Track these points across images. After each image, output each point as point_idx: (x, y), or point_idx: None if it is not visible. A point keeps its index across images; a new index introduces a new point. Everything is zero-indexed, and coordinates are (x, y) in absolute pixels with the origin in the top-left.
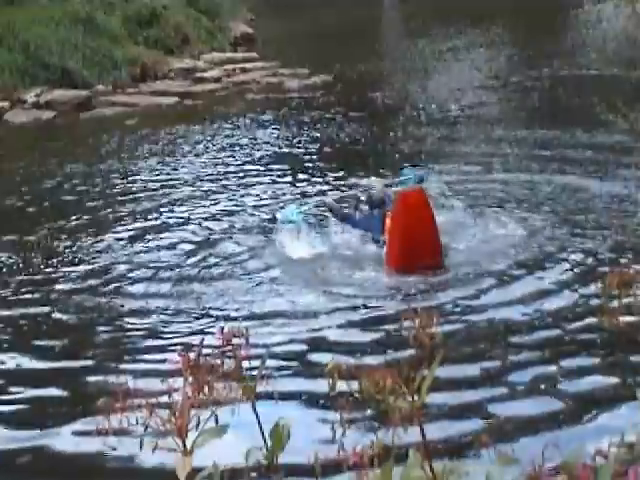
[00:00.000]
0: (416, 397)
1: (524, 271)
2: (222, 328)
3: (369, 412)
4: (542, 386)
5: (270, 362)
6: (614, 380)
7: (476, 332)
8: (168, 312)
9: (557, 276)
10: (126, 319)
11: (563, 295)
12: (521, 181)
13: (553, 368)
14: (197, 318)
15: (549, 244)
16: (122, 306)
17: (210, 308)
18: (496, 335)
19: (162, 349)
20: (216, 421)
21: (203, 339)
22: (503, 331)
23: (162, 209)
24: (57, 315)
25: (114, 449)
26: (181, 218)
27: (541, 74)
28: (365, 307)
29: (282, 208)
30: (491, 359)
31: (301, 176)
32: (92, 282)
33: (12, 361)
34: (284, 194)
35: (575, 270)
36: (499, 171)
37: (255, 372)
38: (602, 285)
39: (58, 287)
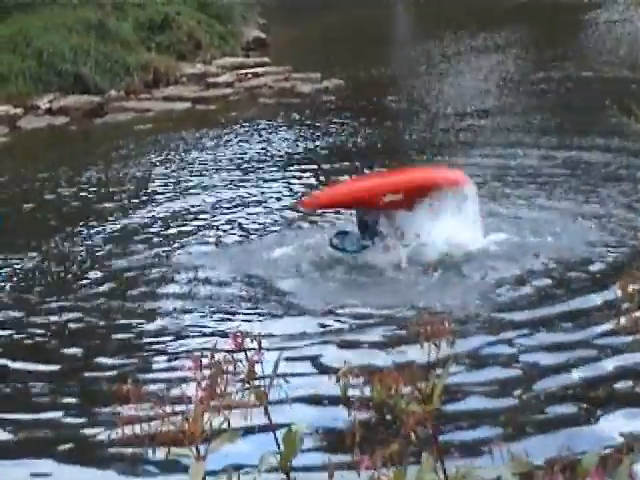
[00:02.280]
0: (428, 401)
1: (540, 278)
2: (235, 333)
3: (382, 416)
4: (558, 392)
5: (282, 367)
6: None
7: (489, 338)
8: (181, 318)
9: (576, 284)
10: (139, 325)
11: (584, 299)
12: (537, 184)
13: (569, 374)
14: (209, 324)
15: (566, 250)
16: (135, 313)
17: (221, 314)
18: (510, 340)
19: (175, 355)
20: (229, 426)
21: (215, 344)
22: (516, 338)
23: (176, 214)
24: (70, 322)
25: (126, 454)
26: (195, 223)
27: (553, 77)
28: (376, 312)
29: (342, 234)
30: (504, 364)
31: (315, 180)
32: (106, 287)
33: (23, 369)
34: (298, 199)
35: (593, 278)
36: (514, 175)
37: (267, 377)
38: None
39: (72, 294)
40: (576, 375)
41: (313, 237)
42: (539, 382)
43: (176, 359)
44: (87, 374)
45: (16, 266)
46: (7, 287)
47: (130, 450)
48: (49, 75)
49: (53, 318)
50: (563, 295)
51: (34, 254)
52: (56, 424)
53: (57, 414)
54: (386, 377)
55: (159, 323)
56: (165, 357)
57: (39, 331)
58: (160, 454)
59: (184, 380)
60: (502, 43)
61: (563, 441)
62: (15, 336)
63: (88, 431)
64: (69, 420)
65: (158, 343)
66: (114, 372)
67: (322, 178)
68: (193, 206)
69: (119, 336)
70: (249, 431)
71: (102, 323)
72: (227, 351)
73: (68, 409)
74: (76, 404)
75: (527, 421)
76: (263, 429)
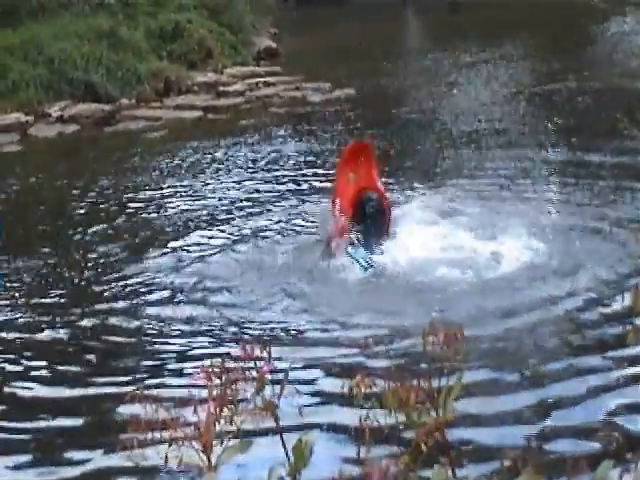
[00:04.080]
0: (440, 412)
1: (567, 297)
2: (244, 344)
3: (393, 427)
4: (572, 408)
5: (292, 377)
6: None
7: (502, 352)
8: (191, 331)
9: (600, 304)
10: (150, 337)
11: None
12: (548, 198)
13: (596, 403)
14: (220, 336)
15: (579, 264)
16: (146, 324)
17: (232, 327)
18: (524, 355)
19: (185, 366)
20: (240, 437)
21: (225, 355)
22: (531, 352)
23: (187, 224)
24: (79, 336)
25: (139, 465)
26: (205, 232)
27: (565, 88)
28: (388, 322)
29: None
30: (517, 378)
31: (328, 190)
32: (117, 301)
33: (33, 388)
34: (308, 209)
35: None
36: (527, 187)
37: (277, 388)
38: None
39: (80, 307)
40: (604, 404)
41: (320, 246)
42: (557, 407)
43: (185, 371)
44: (95, 388)
45: (24, 275)
46: (16, 297)
47: (141, 460)
48: (60, 83)
49: (61, 331)
50: (590, 315)
51: (42, 263)
52: (66, 439)
53: (66, 428)
54: (398, 388)
55: (172, 332)
56: (175, 369)
57: (46, 345)
58: (171, 465)
59: (194, 391)
60: (513, 54)
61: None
62: (21, 351)
63: (97, 444)
64: (78, 433)
65: (167, 358)
66: (123, 385)
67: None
68: (204, 215)
69: (128, 349)
70: (259, 441)
71: (111, 337)
72: (237, 360)
73: (76, 423)
74: (84, 418)
75: (543, 442)
76: (273, 439)
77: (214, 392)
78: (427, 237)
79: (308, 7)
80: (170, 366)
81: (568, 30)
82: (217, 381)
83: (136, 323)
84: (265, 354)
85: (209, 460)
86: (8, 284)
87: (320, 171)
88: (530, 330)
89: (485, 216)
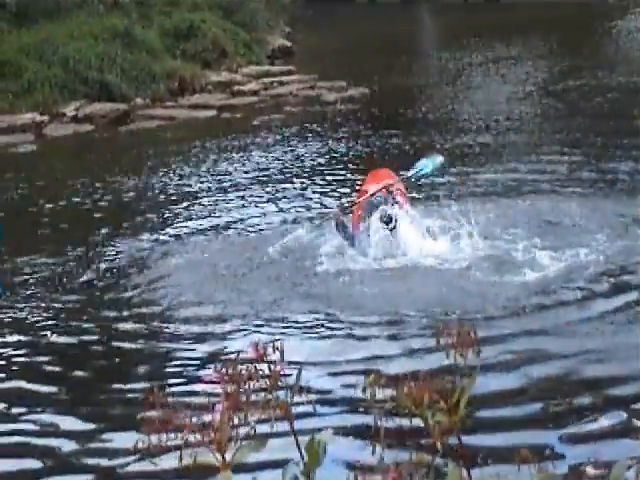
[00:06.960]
0: (454, 411)
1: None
2: (256, 343)
3: (408, 426)
4: (591, 402)
5: (304, 377)
6: None
7: (514, 356)
8: (204, 328)
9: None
10: (163, 336)
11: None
12: (566, 201)
13: (603, 384)
14: (233, 333)
15: (598, 274)
16: (160, 325)
17: (245, 324)
18: (536, 357)
19: (199, 365)
20: (254, 435)
21: (239, 354)
22: (543, 356)
23: (201, 222)
24: (87, 343)
25: (153, 464)
26: (220, 231)
27: (581, 85)
28: (400, 321)
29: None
30: (529, 374)
31: (340, 190)
32: (127, 302)
33: (39, 390)
34: (321, 207)
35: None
36: (542, 191)
37: (291, 386)
38: None
39: (89, 311)
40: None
41: (325, 247)
42: (570, 392)
43: (198, 372)
44: (105, 395)
45: (35, 276)
46: (24, 302)
47: (156, 459)
48: (75, 83)
49: (69, 336)
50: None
51: (53, 263)
52: (75, 444)
53: (75, 435)
54: (412, 387)
55: (185, 331)
56: (188, 370)
57: (52, 351)
58: (186, 464)
59: (208, 390)
60: (529, 53)
61: (593, 452)
62: (31, 357)
63: (109, 447)
64: (87, 441)
65: (179, 360)
66: (135, 390)
67: (346, 189)
68: (217, 214)
69: (140, 351)
70: (273, 441)
71: (120, 341)
72: (249, 360)
73: (86, 431)
74: (99, 412)
75: (555, 431)
76: (287, 438)
77: (227, 392)
78: (448, 237)
79: (321, 5)
80: (183, 368)
81: (586, 27)
82: (230, 381)
83: (146, 326)
84: (277, 354)
85: (223, 459)
86: (16, 286)
87: (334, 170)
88: (552, 336)
89: (513, 215)
